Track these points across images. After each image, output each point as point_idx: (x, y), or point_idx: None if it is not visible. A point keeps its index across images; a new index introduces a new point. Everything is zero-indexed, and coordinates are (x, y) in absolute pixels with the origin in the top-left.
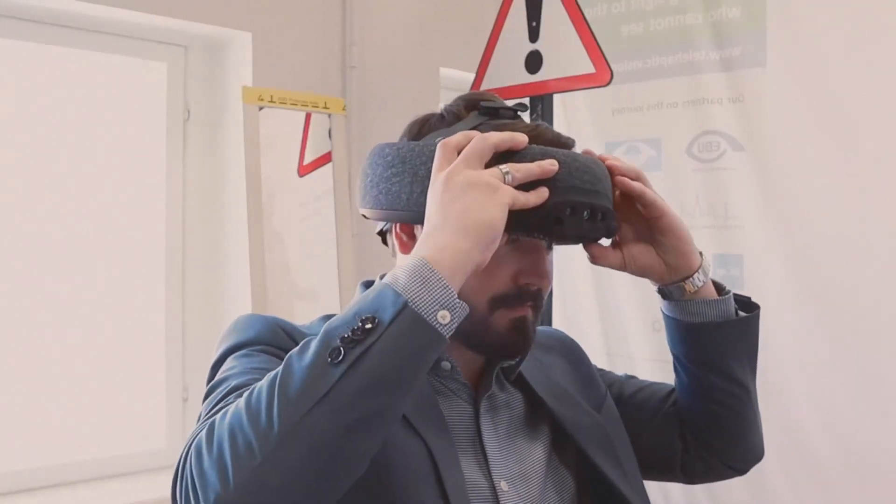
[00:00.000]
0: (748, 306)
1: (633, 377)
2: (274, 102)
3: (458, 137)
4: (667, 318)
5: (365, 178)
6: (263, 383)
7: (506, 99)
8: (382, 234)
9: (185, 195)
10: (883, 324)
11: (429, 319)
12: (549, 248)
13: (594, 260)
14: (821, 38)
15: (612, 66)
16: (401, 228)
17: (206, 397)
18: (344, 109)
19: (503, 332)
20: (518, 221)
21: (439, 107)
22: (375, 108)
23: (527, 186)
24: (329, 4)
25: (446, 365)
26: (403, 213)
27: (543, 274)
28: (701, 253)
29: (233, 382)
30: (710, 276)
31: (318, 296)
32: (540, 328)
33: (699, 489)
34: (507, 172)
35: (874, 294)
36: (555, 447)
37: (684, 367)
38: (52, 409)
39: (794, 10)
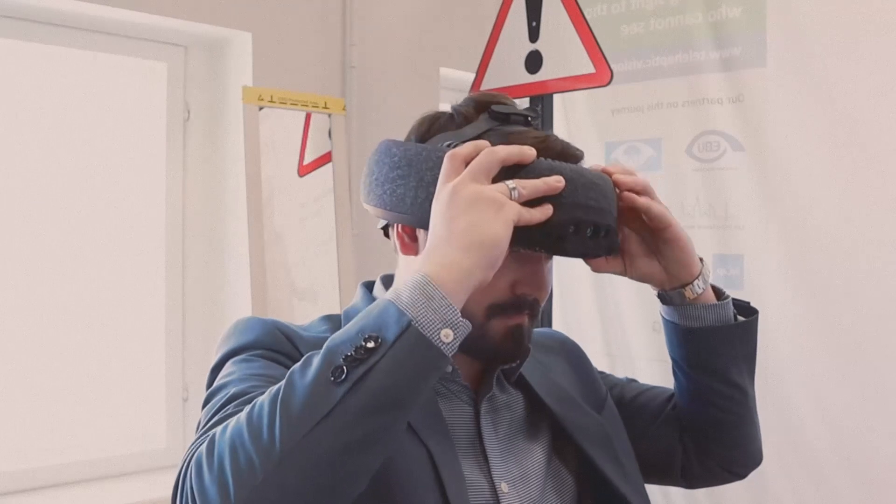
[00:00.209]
0: (747, 311)
1: (633, 380)
2: (274, 102)
3: (466, 148)
4: (666, 322)
5: (370, 175)
6: (265, 398)
7: None
8: (385, 228)
9: (185, 195)
10: (883, 324)
11: (432, 339)
12: (549, 257)
13: (595, 269)
14: (821, 38)
15: (612, 66)
16: (402, 229)
17: (205, 404)
18: (344, 109)
19: (499, 339)
20: (521, 236)
21: (445, 106)
22: (375, 108)
23: (532, 202)
24: (329, 4)
25: (447, 367)
26: (407, 216)
27: (542, 284)
28: (701, 259)
29: (232, 390)
30: (710, 280)
31: (318, 296)
32: (540, 329)
33: (699, 490)
34: (513, 188)
35: (874, 294)
36: (555, 448)
37: (683, 371)
38: (53, 410)
39: (795, 10)
